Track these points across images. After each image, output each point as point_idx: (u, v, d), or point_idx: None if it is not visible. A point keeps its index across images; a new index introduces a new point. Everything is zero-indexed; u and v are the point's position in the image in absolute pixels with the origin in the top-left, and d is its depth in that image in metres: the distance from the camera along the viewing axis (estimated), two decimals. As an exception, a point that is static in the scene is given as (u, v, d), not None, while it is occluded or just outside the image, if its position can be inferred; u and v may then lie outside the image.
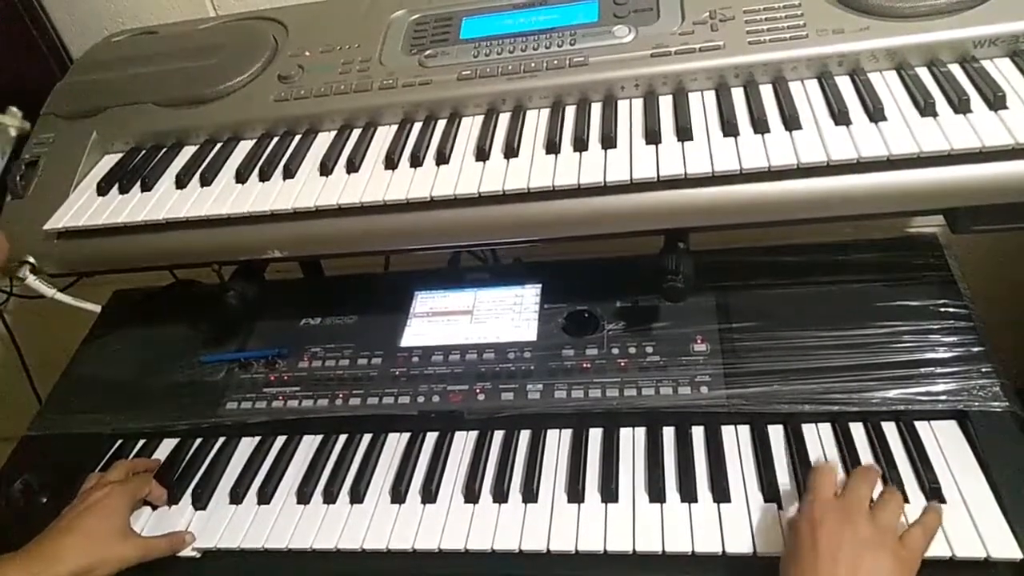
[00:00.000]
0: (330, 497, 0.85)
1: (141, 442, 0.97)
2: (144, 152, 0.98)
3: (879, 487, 0.72)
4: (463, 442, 0.88)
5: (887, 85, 0.80)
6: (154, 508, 0.88)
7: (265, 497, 0.86)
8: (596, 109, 0.86)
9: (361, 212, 0.84)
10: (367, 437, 0.91)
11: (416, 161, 0.86)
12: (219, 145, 0.96)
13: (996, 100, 0.74)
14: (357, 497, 0.84)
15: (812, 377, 0.83)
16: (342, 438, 0.92)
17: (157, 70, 1.03)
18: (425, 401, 0.90)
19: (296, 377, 0.96)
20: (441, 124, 0.90)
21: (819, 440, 0.81)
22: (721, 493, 0.77)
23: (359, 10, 1.03)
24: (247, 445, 0.94)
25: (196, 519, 0.86)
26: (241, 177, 0.90)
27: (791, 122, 0.77)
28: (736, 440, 0.82)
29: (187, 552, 0.83)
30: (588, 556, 0.75)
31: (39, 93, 1.06)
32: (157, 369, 1.02)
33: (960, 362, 0.81)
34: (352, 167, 0.87)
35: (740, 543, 0.73)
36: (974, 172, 0.72)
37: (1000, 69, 0.78)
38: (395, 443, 0.90)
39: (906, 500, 0.73)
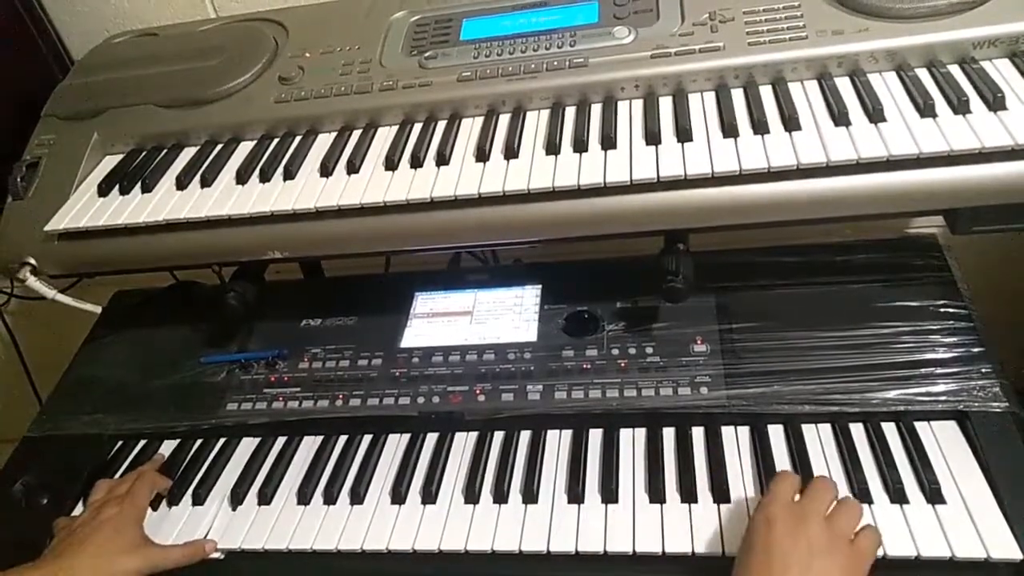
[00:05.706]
0: (330, 498, 0.85)
1: (141, 443, 0.97)
2: (145, 153, 0.98)
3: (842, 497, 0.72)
4: (463, 443, 0.88)
5: (887, 86, 0.79)
6: (155, 509, 0.88)
7: (265, 498, 0.87)
8: (596, 110, 0.86)
9: (361, 213, 0.84)
10: (367, 438, 0.91)
11: (416, 162, 0.86)
12: (219, 146, 0.96)
13: (995, 101, 0.74)
14: (357, 498, 0.84)
15: (812, 377, 0.83)
16: (342, 439, 0.92)
17: (158, 71, 1.03)
18: (425, 402, 0.90)
19: (296, 378, 0.96)
20: (441, 125, 0.90)
21: (819, 440, 0.81)
22: (721, 494, 0.77)
23: (359, 11, 1.03)
24: (247, 446, 0.94)
25: (196, 520, 0.86)
26: (241, 178, 0.90)
27: (791, 123, 0.77)
28: (736, 441, 0.83)
29: (214, 554, 0.83)
30: (588, 557, 0.75)
31: (39, 94, 1.06)
32: (157, 370, 1.02)
33: (960, 362, 0.81)
34: (352, 168, 0.87)
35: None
36: (974, 173, 0.72)
37: (999, 70, 0.78)
38: (395, 444, 0.90)
39: (905, 501, 0.73)
